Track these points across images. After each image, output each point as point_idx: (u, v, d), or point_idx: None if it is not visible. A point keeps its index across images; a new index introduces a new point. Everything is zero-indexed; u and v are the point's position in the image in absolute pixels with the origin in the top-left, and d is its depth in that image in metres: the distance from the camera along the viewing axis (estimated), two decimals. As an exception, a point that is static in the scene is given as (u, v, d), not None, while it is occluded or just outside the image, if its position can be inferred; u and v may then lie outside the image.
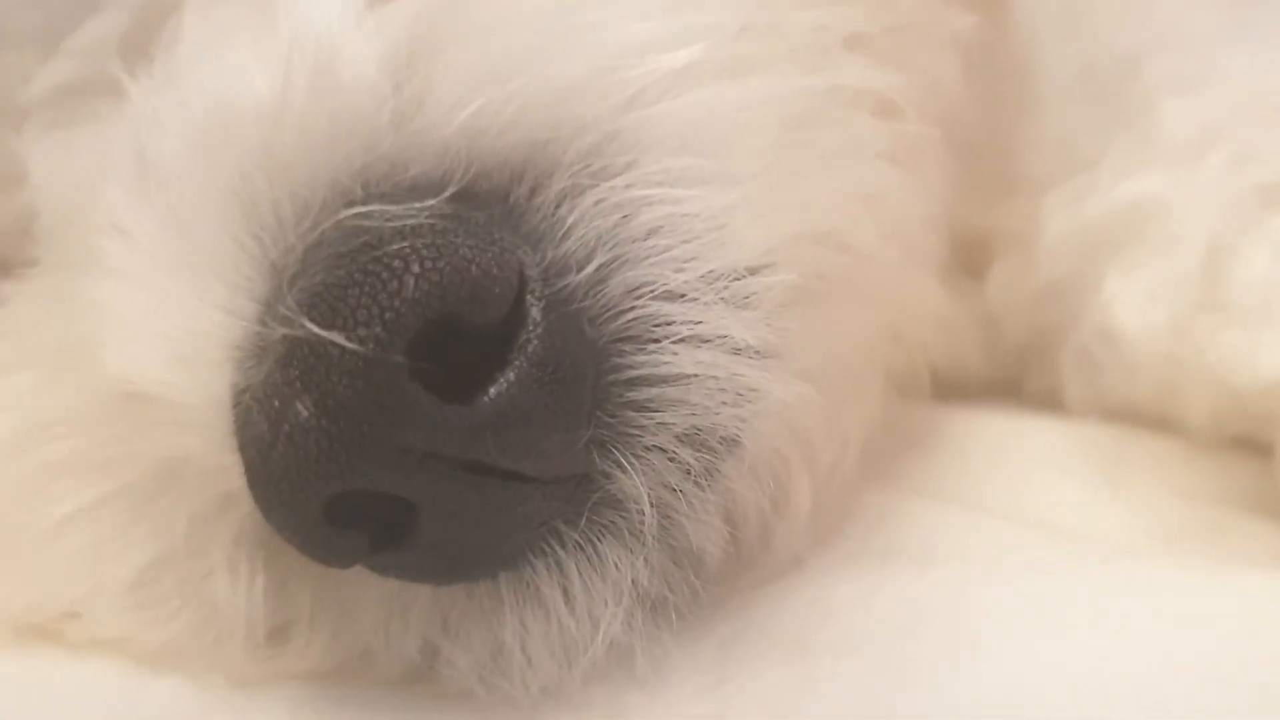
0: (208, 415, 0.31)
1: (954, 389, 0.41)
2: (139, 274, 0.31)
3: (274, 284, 0.30)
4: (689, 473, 0.32)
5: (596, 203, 0.31)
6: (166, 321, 0.31)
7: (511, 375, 0.29)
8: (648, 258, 0.31)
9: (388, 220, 0.29)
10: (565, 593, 0.32)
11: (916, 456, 0.41)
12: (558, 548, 0.32)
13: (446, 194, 0.30)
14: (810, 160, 0.33)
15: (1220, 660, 0.33)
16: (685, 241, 0.31)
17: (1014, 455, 0.42)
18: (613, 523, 0.32)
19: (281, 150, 0.31)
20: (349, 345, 0.28)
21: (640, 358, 0.31)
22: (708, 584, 0.34)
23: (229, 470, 0.31)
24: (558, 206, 0.31)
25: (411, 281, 0.28)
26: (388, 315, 0.28)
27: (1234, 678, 0.33)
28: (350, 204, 0.30)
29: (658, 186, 0.31)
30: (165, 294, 0.31)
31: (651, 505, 0.31)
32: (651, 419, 0.31)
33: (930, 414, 0.41)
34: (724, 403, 0.32)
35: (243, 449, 0.30)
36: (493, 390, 0.29)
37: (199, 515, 0.32)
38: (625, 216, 0.31)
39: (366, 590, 0.33)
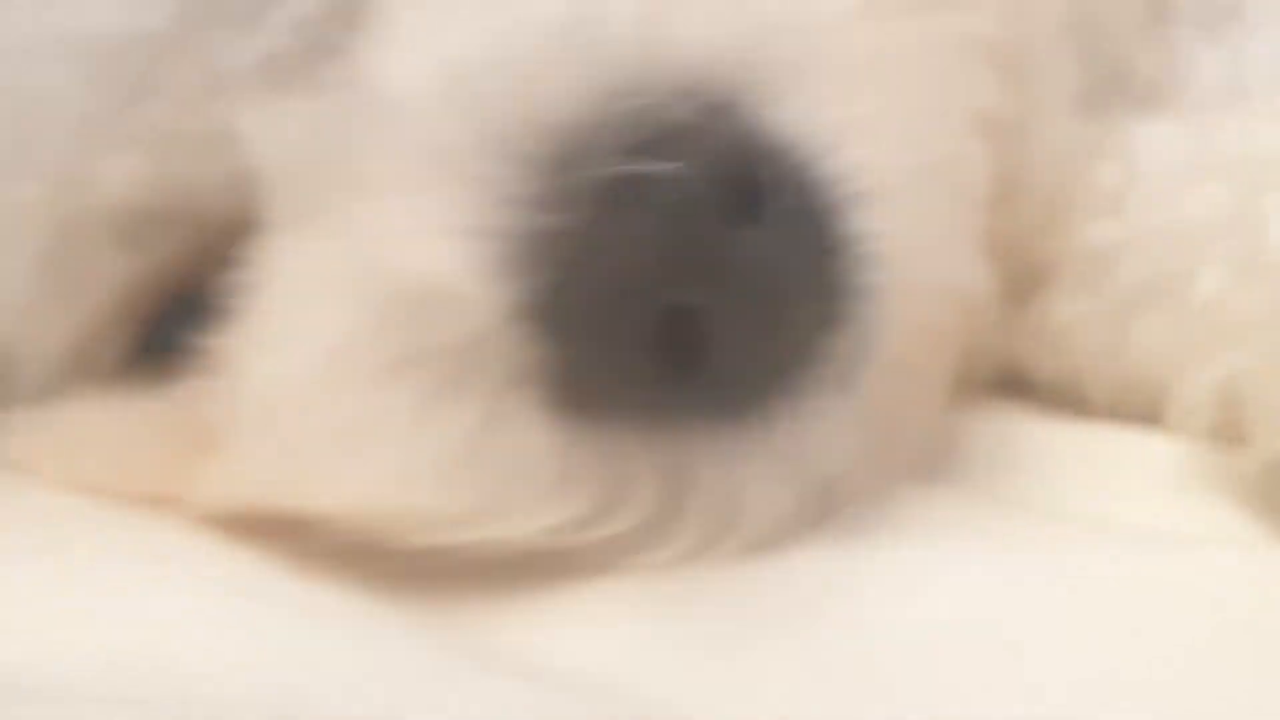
0: (498, 295, 0.35)
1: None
2: (421, 195, 0.35)
3: (568, 152, 0.34)
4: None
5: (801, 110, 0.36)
6: (459, 219, 0.35)
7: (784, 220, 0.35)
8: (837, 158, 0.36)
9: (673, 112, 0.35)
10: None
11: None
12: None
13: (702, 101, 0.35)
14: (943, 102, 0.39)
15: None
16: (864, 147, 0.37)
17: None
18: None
19: (555, 79, 0.35)
20: (687, 174, 0.33)
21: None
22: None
23: (521, 345, 0.35)
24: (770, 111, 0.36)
25: (725, 132, 0.34)
26: (715, 153, 0.34)
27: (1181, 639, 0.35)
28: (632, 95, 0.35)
29: (840, 105, 0.37)
30: (455, 199, 0.35)
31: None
32: None
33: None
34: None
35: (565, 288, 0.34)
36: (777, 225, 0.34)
37: (492, 396, 0.36)
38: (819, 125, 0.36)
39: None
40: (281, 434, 0.36)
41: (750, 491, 0.36)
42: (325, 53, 0.38)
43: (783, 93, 0.36)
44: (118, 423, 0.41)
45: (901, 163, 0.38)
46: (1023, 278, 0.46)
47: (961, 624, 0.36)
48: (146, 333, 0.42)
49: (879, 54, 0.38)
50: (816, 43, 0.37)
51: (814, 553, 0.38)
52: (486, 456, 0.36)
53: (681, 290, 0.34)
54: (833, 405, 0.37)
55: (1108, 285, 0.45)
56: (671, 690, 0.34)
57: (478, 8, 0.37)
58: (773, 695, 0.35)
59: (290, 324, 0.37)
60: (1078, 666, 0.35)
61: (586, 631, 0.37)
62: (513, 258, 0.34)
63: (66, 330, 0.41)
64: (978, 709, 0.33)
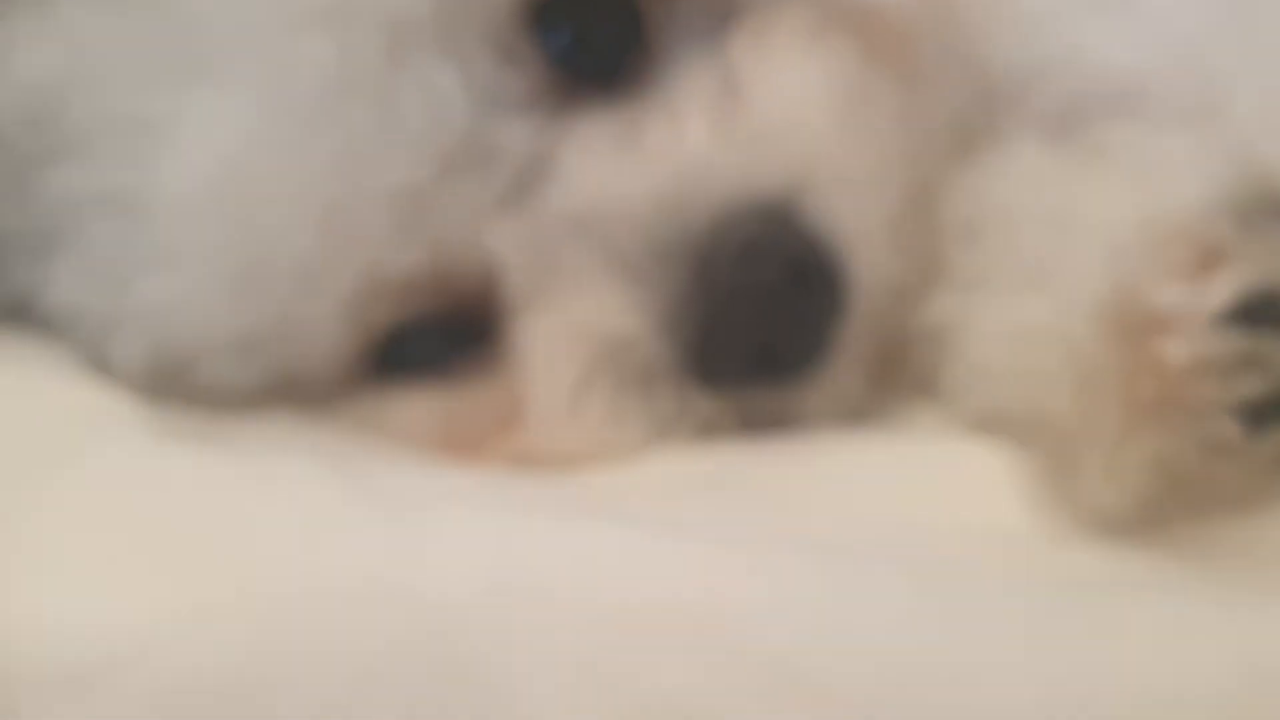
0: (670, 342, 0.59)
1: None
2: (618, 285, 0.59)
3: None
4: None
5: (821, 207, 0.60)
6: (643, 301, 0.59)
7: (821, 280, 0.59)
8: None
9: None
10: None
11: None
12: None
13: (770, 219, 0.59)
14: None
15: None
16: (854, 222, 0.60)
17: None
18: None
19: (687, 212, 0.58)
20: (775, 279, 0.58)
21: None
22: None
23: (682, 365, 0.59)
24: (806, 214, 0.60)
25: (788, 239, 0.58)
26: (787, 258, 0.58)
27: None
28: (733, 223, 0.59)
29: (836, 196, 0.60)
30: (639, 289, 0.59)
31: None
32: None
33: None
34: None
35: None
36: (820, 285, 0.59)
37: (665, 392, 0.60)
38: None
39: None
40: (557, 424, 0.60)
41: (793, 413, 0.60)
42: (529, 191, 0.60)
43: (808, 197, 0.59)
44: (442, 411, 0.63)
45: (876, 221, 0.60)
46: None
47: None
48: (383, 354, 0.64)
49: (859, 154, 0.61)
50: (822, 159, 0.60)
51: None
52: (663, 419, 0.60)
53: (775, 333, 0.59)
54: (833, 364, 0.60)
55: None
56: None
57: (630, 160, 0.60)
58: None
59: (550, 366, 0.60)
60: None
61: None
62: (677, 321, 0.59)
63: (348, 352, 0.62)
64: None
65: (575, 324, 0.60)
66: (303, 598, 0.47)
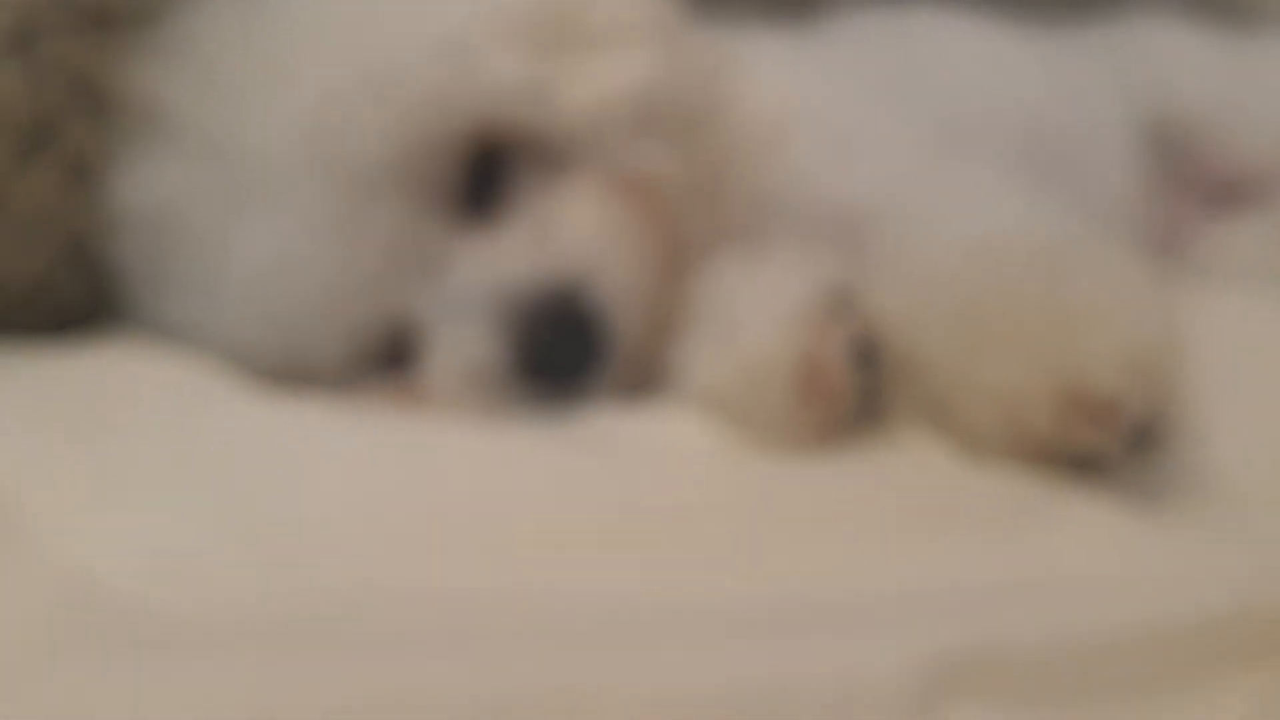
0: (510, 356, 0.88)
1: None
2: (480, 330, 0.89)
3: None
4: None
5: (598, 290, 0.93)
6: (496, 339, 0.90)
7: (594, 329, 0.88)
8: None
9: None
10: None
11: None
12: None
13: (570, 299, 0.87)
14: None
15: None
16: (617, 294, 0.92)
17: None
18: None
19: (520, 301, 0.87)
20: (570, 334, 0.88)
21: None
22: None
23: (514, 364, 0.89)
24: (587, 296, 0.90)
25: (578, 312, 0.87)
26: (578, 324, 0.86)
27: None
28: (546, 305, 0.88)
29: (605, 280, 0.91)
30: (494, 329, 0.90)
31: None
32: None
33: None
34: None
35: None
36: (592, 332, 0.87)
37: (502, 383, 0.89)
38: None
39: None
40: (451, 403, 0.85)
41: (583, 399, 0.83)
42: (441, 276, 0.88)
43: (588, 284, 0.85)
44: (395, 390, 0.86)
45: (630, 298, 0.85)
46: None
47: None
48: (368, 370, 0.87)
49: (622, 261, 0.86)
50: (597, 264, 0.85)
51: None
52: (506, 402, 0.86)
53: (568, 355, 0.85)
54: (603, 373, 0.85)
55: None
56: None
57: (493, 261, 0.88)
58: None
59: (448, 374, 0.87)
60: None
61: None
62: (515, 350, 0.85)
63: (349, 361, 0.88)
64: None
65: (460, 352, 0.88)
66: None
